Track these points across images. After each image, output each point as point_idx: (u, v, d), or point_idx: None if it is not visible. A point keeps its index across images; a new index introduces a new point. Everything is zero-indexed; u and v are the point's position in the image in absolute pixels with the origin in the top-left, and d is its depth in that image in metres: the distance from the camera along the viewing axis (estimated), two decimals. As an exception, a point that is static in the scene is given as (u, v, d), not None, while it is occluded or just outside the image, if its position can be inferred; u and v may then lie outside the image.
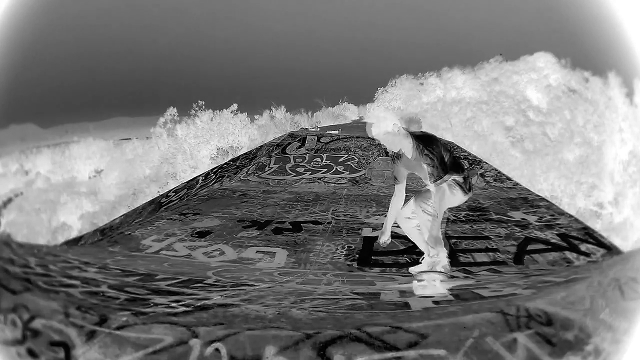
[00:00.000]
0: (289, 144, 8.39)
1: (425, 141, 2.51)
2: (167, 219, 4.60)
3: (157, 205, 6.70)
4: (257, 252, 3.50)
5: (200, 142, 21.91)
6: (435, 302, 1.88)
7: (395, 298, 2.05)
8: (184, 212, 5.00)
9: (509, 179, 6.78)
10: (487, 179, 6.73)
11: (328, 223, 4.36)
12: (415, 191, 2.68)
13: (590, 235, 3.66)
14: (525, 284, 2.12)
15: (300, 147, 8.23)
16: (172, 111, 23.92)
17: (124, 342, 1.46)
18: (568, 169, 19.13)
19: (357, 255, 3.36)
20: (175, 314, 1.67)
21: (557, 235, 3.71)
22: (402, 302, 1.94)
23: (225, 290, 2.23)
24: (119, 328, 1.50)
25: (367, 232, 3.98)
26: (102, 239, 4.45)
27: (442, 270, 2.57)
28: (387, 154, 2.86)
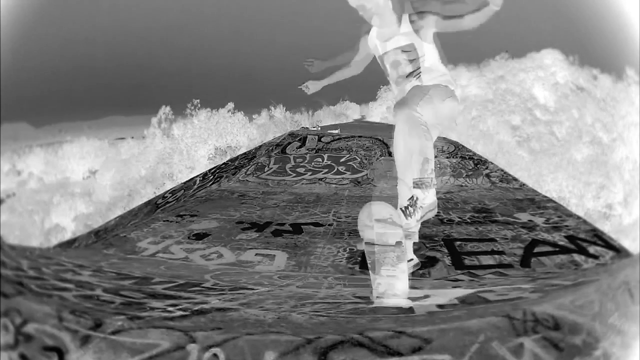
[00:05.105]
0: (289, 143, 8.34)
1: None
2: (164, 221, 4.54)
3: (153, 207, 6.63)
4: (256, 254, 3.45)
5: (198, 142, 21.82)
6: (440, 306, 1.85)
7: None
8: (180, 213, 4.94)
9: (515, 179, 6.76)
10: (493, 179, 6.71)
11: (329, 225, 4.32)
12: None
13: (599, 237, 3.63)
14: (532, 287, 2.10)
15: (300, 146, 8.18)
16: (165, 110, 23.83)
17: (119, 347, 1.42)
18: (576, 169, 19.10)
19: (359, 258, 3.32)
20: (172, 319, 1.63)
21: (565, 237, 3.68)
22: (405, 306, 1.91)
23: (223, 294, 2.19)
24: (114, 333, 1.46)
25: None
26: (97, 241, 4.38)
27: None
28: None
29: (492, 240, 3.66)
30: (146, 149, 24.29)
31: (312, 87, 2.45)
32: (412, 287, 2.04)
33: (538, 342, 1.40)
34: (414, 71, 1.99)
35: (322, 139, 8.54)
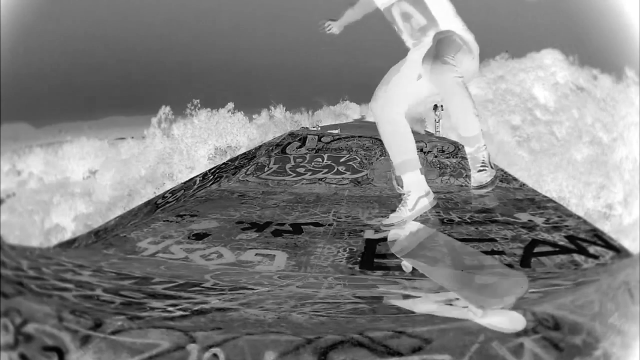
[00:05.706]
0: (289, 143, 8.34)
1: None
2: (164, 221, 4.54)
3: (153, 207, 6.63)
4: (256, 254, 3.45)
5: (198, 142, 21.84)
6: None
7: (399, 302, 2.01)
8: (180, 213, 4.95)
9: (515, 179, 6.74)
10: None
11: (329, 225, 4.32)
12: None
13: (599, 237, 3.62)
14: (532, 287, 2.10)
15: (300, 146, 8.18)
16: (165, 110, 23.90)
17: (119, 347, 1.42)
18: (576, 169, 19.13)
19: (359, 258, 3.32)
20: (172, 318, 1.63)
21: (565, 237, 3.67)
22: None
23: (223, 294, 2.19)
24: (114, 333, 1.46)
25: (369, 234, 3.95)
26: (97, 241, 4.38)
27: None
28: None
29: (492, 240, 3.66)
30: (146, 149, 24.32)
31: (335, 27, 2.51)
32: (414, 287, 2.05)
33: (538, 342, 1.40)
34: (430, 22, 1.80)
35: (322, 139, 8.54)
